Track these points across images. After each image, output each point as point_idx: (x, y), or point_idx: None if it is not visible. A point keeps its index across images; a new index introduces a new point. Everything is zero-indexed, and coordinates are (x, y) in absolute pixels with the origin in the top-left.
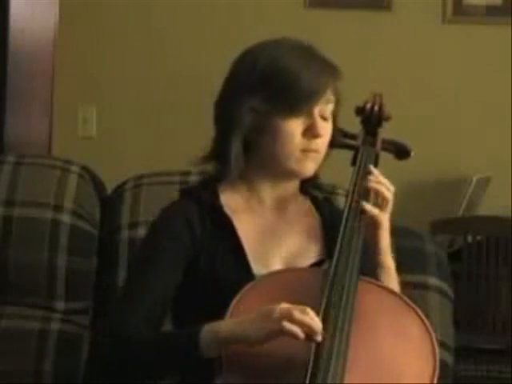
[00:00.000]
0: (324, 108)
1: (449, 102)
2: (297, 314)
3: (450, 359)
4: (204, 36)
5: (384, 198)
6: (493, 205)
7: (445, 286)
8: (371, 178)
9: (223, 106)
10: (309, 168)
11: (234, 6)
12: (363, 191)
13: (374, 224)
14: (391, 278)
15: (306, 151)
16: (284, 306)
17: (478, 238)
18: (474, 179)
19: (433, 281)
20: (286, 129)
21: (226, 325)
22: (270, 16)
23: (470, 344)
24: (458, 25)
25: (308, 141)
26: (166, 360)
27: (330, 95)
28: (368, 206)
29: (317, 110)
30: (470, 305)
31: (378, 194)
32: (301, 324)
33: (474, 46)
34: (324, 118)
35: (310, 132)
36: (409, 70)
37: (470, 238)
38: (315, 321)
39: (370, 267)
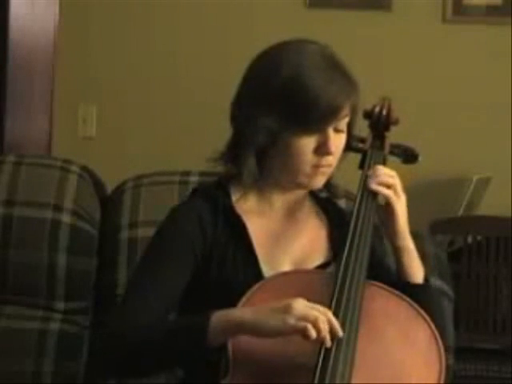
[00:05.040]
0: (339, 123)
1: (449, 102)
2: (321, 324)
3: (449, 359)
4: (204, 36)
5: (390, 187)
6: (493, 205)
7: (445, 286)
8: (371, 179)
9: (239, 115)
10: (318, 182)
11: (234, 6)
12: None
13: (387, 210)
14: (412, 259)
15: (316, 167)
16: (303, 302)
17: (478, 238)
18: (474, 179)
19: (433, 281)
20: (298, 146)
21: (239, 311)
22: (271, 16)
23: (470, 344)
24: (457, 25)
25: (319, 157)
26: (173, 344)
27: (346, 110)
28: (375, 186)
29: (331, 128)
30: (470, 305)
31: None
32: (320, 332)
33: (474, 45)
34: (338, 131)
35: (322, 149)
36: (409, 70)
37: (470, 238)
38: (336, 326)
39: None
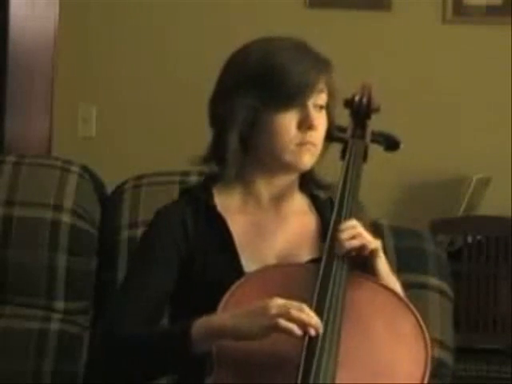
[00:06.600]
0: (317, 98)
1: (449, 102)
2: (294, 312)
3: (449, 359)
4: (204, 36)
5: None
6: (493, 205)
7: (445, 286)
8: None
9: (217, 105)
10: (305, 161)
11: (234, 6)
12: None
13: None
14: None
15: (301, 144)
16: (279, 301)
17: (478, 237)
18: (474, 179)
19: (433, 281)
20: (280, 122)
21: (218, 318)
22: (271, 16)
23: (470, 344)
24: (457, 25)
25: (303, 133)
26: (159, 356)
27: (322, 85)
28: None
29: (310, 102)
30: (470, 305)
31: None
32: (298, 321)
33: (474, 45)
34: (318, 107)
35: (305, 124)
36: (409, 70)
37: (469, 238)
38: (312, 317)
39: None
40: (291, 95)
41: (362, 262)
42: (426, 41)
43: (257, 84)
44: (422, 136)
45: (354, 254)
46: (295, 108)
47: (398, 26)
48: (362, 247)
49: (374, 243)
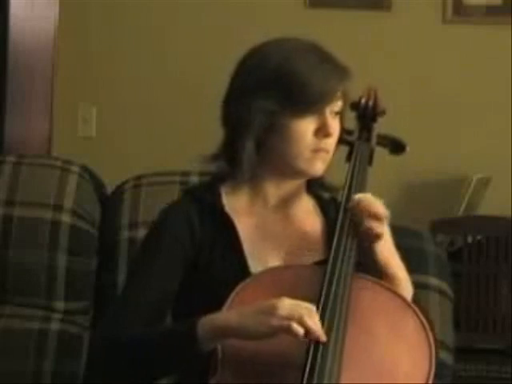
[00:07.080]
0: (334, 105)
1: (449, 102)
2: (307, 318)
3: (449, 359)
4: (204, 36)
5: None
6: (493, 205)
7: (445, 286)
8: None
9: (233, 106)
10: (318, 168)
11: (234, 6)
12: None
13: (371, 238)
14: (399, 288)
15: (316, 151)
16: (288, 301)
17: (478, 237)
18: (474, 179)
19: (433, 281)
20: (297, 128)
21: (224, 315)
22: (271, 16)
23: (470, 344)
24: (457, 25)
25: (319, 140)
26: (163, 355)
27: (339, 93)
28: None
29: (328, 110)
30: (470, 305)
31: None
32: (307, 328)
33: (474, 45)
34: (334, 113)
35: (322, 131)
36: (409, 70)
37: (469, 238)
38: (318, 326)
39: None
40: (311, 102)
41: (367, 264)
42: (426, 41)
43: (276, 88)
44: (422, 136)
45: (360, 227)
46: (313, 115)
47: (398, 26)
48: (369, 229)
49: (381, 228)
